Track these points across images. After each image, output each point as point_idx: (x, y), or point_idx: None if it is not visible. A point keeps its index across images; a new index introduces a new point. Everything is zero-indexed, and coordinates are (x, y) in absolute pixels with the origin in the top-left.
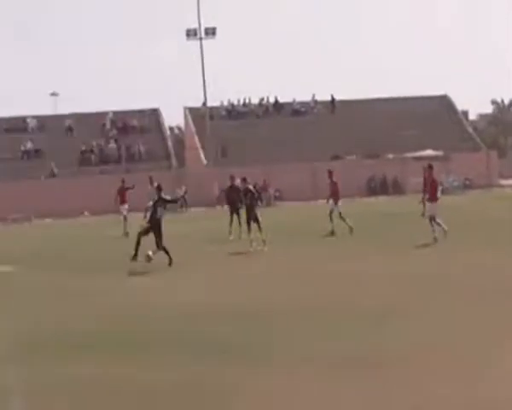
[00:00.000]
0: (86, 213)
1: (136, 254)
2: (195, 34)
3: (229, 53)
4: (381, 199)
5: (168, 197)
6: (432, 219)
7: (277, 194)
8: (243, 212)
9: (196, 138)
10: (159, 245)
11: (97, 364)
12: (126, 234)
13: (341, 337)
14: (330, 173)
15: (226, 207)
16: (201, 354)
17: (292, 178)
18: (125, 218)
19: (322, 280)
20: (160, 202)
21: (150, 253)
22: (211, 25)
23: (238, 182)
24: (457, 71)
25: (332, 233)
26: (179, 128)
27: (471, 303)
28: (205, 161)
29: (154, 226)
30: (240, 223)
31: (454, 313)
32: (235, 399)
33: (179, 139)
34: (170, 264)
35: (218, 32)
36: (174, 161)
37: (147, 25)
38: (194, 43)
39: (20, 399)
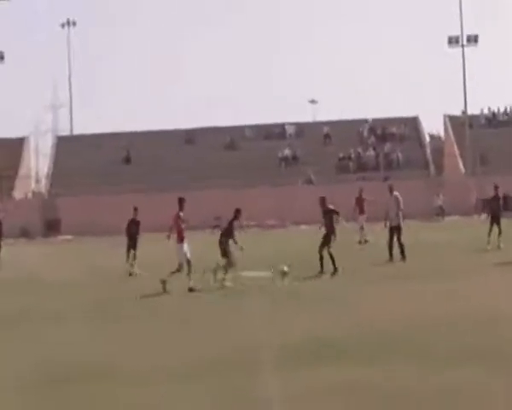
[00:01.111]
0: (343, 220)
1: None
2: (457, 42)
3: (490, 61)
4: None
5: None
6: None
7: None
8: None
9: (455, 146)
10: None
11: (345, 371)
12: (360, 242)
13: None
14: None
15: (484, 217)
16: (441, 363)
17: None
18: (362, 227)
19: None
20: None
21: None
22: (473, 32)
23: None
24: None
25: None
26: (438, 136)
27: None
28: (463, 170)
29: (328, 234)
30: (500, 232)
31: None
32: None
33: (437, 147)
34: (333, 273)
35: (480, 39)
36: (432, 169)
37: (408, 32)
38: (456, 51)
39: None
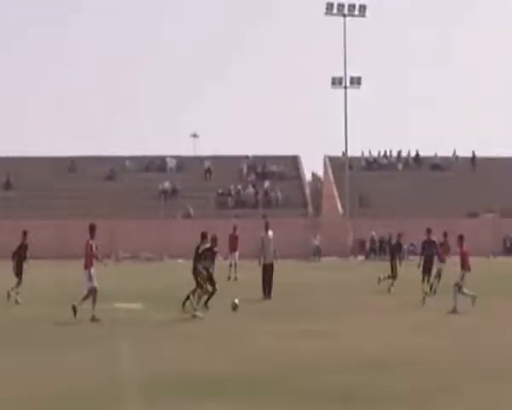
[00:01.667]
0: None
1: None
2: (340, 83)
3: (372, 103)
4: None
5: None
6: None
7: (412, 248)
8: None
9: (334, 187)
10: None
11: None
12: (229, 278)
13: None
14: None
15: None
16: (323, 403)
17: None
18: (232, 264)
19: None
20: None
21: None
22: (356, 74)
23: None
24: None
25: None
26: (318, 177)
27: None
28: (341, 211)
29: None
30: (394, 276)
31: None
32: None
33: (317, 188)
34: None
35: (363, 81)
36: (311, 209)
37: (293, 71)
38: (339, 92)
39: None
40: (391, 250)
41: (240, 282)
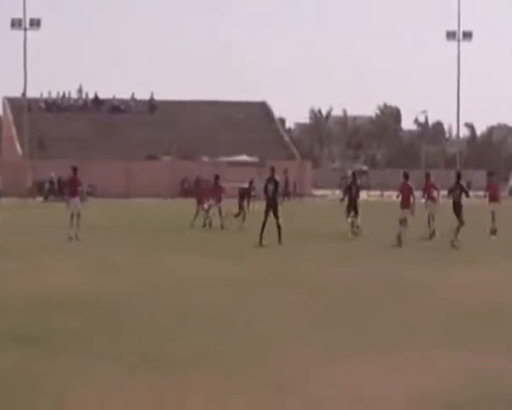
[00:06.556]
0: None
1: None
2: (20, 24)
3: (52, 45)
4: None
5: None
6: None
7: (90, 189)
8: None
9: (13, 129)
10: None
11: None
12: None
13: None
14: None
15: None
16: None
17: (106, 175)
18: None
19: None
20: None
21: None
22: (36, 16)
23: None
24: (277, 79)
25: None
26: None
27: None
28: (20, 153)
29: None
30: None
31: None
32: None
33: None
34: None
35: (43, 23)
36: None
37: None
38: (19, 34)
39: None
40: None
41: None
